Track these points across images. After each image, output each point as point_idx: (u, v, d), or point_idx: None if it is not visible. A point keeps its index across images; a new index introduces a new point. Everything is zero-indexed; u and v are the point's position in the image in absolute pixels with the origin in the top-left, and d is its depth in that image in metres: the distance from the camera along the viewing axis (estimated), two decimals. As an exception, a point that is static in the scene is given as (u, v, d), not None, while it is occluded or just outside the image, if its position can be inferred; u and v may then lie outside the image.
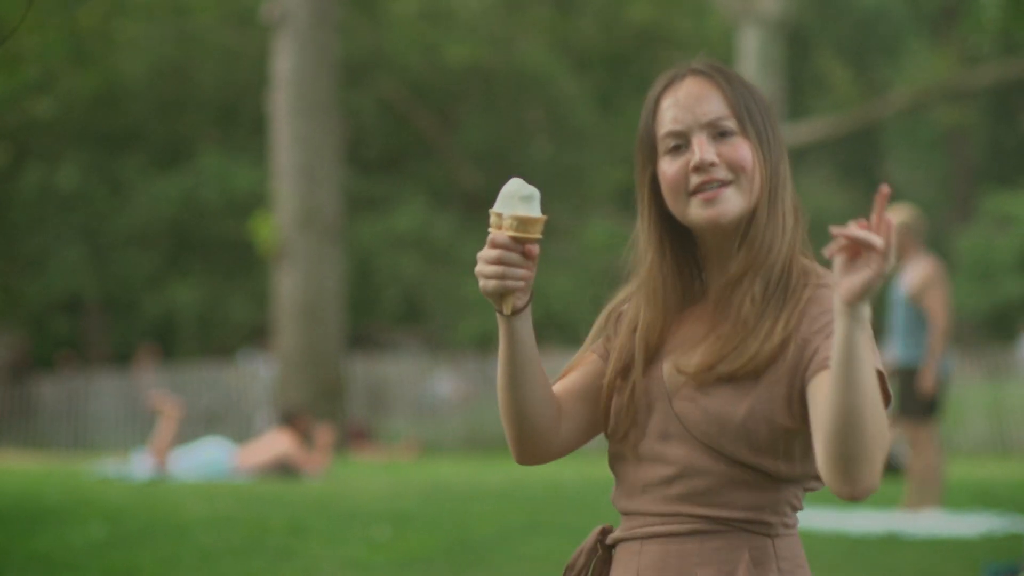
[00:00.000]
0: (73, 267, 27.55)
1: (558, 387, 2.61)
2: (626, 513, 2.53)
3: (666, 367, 2.50)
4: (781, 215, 2.50)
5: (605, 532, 2.59)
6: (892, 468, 12.54)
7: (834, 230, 2.21)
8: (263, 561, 8.16)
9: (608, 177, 30.92)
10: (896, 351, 10.03)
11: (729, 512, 2.44)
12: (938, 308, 9.86)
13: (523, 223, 2.45)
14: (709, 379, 2.44)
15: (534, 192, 2.47)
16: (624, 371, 2.55)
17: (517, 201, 2.46)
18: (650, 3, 29.82)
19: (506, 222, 2.46)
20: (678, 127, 2.51)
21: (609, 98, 31.58)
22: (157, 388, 21.30)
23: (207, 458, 13.73)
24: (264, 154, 22.12)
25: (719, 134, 2.49)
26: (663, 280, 2.54)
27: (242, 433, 20.56)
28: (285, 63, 19.47)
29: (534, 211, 2.46)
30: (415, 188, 29.49)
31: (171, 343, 27.89)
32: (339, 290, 19.75)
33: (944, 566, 8.13)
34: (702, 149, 2.48)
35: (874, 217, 2.22)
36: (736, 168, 2.48)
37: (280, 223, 19.38)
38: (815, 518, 9.50)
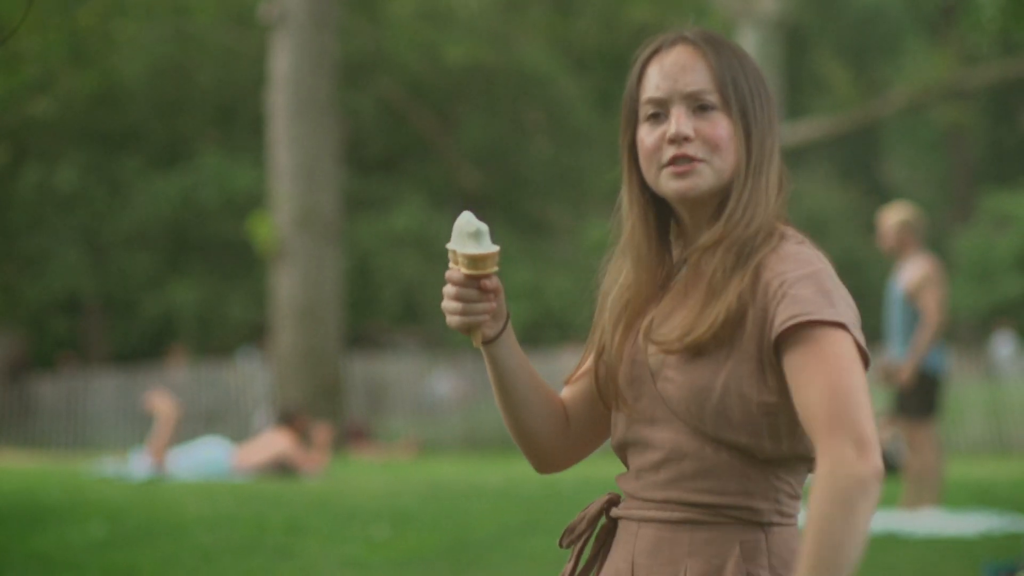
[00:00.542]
0: (72, 267, 27.54)
1: (566, 393, 2.62)
2: (627, 495, 2.53)
3: (651, 349, 2.48)
4: (764, 188, 2.47)
5: (612, 502, 2.58)
6: (890, 467, 12.54)
7: None
8: (262, 560, 8.17)
9: (608, 177, 30.80)
10: (894, 350, 10.03)
11: (719, 498, 2.41)
12: (932, 306, 9.85)
13: (473, 261, 2.46)
14: (680, 349, 2.41)
15: (482, 227, 2.46)
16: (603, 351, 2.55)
17: (466, 238, 2.46)
18: (650, 3, 29.76)
19: (460, 259, 2.47)
20: (659, 95, 2.48)
21: (609, 98, 31.53)
22: (154, 388, 21.30)
23: (206, 457, 13.74)
24: (263, 154, 22.12)
25: (699, 107, 2.46)
26: (647, 241, 2.53)
27: (241, 432, 20.54)
28: (284, 63, 19.46)
29: (484, 247, 2.46)
30: (414, 188, 29.48)
31: (170, 343, 27.87)
32: (338, 290, 19.76)
33: (943, 565, 8.13)
34: (679, 122, 2.45)
35: None
36: (711, 145, 2.45)
37: (279, 223, 19.37)
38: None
